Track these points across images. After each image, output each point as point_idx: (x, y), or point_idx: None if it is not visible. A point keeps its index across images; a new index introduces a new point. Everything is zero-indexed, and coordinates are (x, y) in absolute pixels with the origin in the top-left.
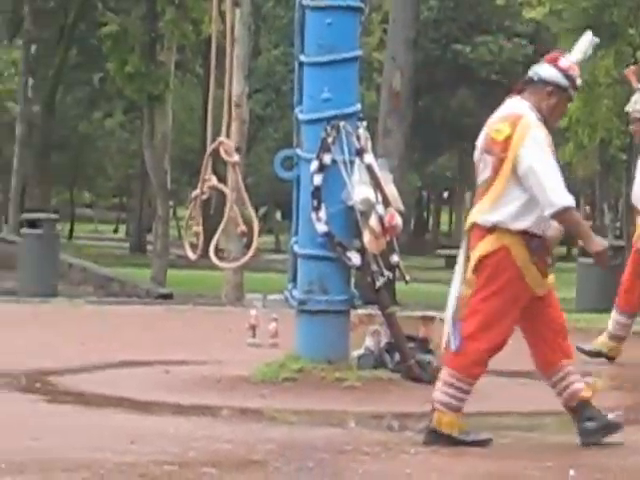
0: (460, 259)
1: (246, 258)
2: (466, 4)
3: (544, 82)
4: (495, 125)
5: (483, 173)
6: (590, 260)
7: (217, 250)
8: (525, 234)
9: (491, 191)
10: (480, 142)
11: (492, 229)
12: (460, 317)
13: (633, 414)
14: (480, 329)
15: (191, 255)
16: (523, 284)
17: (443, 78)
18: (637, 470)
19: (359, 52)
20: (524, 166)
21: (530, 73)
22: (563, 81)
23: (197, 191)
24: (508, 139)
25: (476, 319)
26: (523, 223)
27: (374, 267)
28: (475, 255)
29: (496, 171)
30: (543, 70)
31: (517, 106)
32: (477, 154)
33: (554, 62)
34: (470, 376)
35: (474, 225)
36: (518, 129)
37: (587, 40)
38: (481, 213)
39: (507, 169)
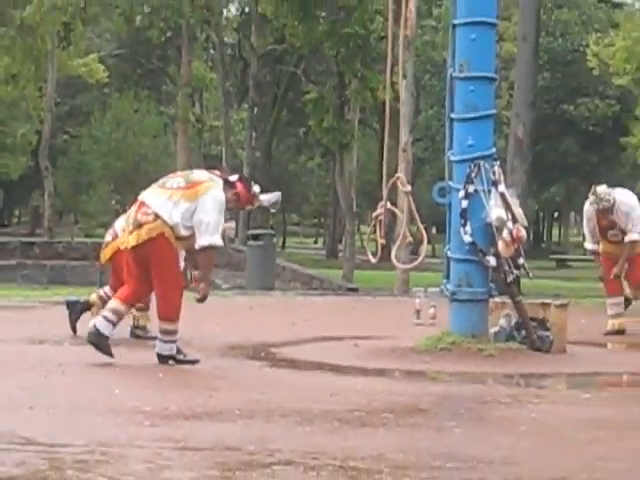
0: None
1: (418, 261)
2: (570, 74)
3: None
4: None
5: None
6: None
7: (391, 256)
8: None
9: None
10: None
11: None
12: None
13: None
14: None
15: (372, 259)
16: None
17: (554, 129)
18: None
19: (494, 111)
20: None
21: None
22: None
23: (378, 211)
24: None
25: None
26: None
27: (506, 267)
28: None
29: None
30: None
31: None
32: None
33: None
34: None
35: None
36: None
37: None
38: None
39: None
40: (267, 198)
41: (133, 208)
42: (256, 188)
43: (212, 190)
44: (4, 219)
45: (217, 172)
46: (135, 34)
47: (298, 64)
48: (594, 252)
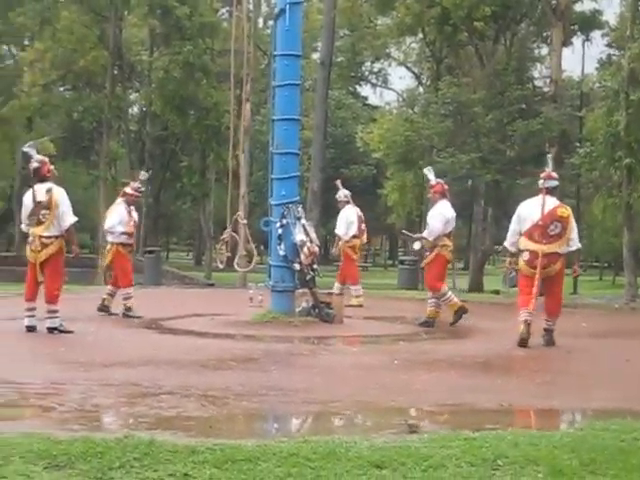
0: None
1: (251, 267)
2: (346, 151)
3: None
4: (561, 208)
5: (555, 229)
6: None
7: (233, 263)
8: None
9: (562, 239)
10: (545, 215)
11: (563, 255)
12: None
13: None
14: None
15: (220, 265)
16: None
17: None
18: None
19: (298, 173)
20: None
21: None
22: None
23: (224, 236)
24: (568, 217)
25: None
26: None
27: (305, 270)
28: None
29: (564, 229)
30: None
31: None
32: (547, 220)
33: None
34: None
35: (555, 252)
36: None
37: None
38: (559, 247)
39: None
40: (32, 154)
41: (31, 238)
42: (34, 163)
43: (55, 192)
44: None
45: (42, 184)
46: (73, 124)
47: (177, 143)
48: None
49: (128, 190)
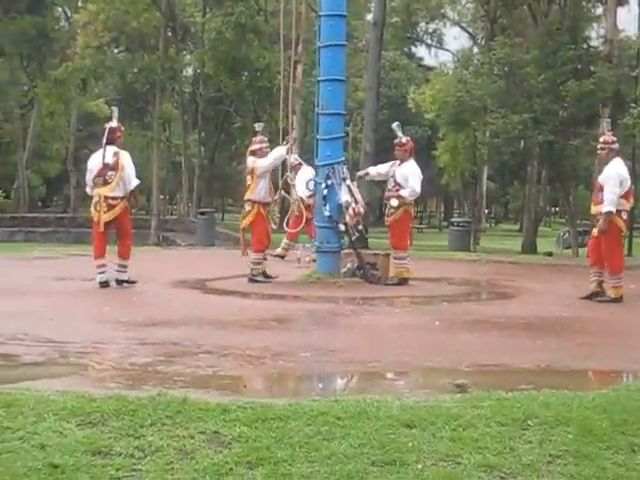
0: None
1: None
2: (399, 112)
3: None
4: None
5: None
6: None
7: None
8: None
9: None
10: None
11: None
12: None
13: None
14: None
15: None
16: None
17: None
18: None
19: (343, 134)
20: None
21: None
22: None
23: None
24: None
25: None
26: None
27: (351, 231)
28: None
29: None
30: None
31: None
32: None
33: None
34: None
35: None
36: None
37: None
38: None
39: None
40: (115, 117)
41: (96, 199)
42: (113, 122)
43: (122, 155)
44: (46, 202)
45: (110, 146)
46: (127, 86)
47: (230, 105)
48: None
49: (255, 146)
